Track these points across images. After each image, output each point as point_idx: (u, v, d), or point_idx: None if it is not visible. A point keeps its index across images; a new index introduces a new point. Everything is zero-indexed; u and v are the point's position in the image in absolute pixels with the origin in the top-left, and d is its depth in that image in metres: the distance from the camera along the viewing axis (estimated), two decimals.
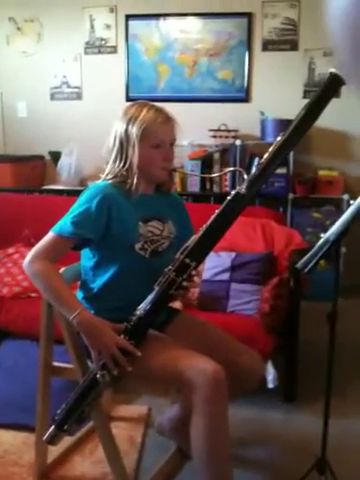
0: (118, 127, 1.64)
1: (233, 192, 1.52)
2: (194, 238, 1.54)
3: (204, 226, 1.54)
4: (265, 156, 1.50)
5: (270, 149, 1.49)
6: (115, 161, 1.65)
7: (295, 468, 1.87)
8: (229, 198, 1.52)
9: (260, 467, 2.02)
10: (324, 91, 1.45)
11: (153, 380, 1.62)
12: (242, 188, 1.51)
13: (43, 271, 1.56)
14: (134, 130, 1.60)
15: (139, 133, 1.60)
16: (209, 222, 1.53)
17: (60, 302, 1.57)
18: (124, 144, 1.62)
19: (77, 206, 1.60)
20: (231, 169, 1.75)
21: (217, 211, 1.53)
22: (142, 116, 1.61)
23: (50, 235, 1.60)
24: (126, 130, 1.62)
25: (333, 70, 1.42)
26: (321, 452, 1.76)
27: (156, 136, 1.62)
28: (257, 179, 1.51)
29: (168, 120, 1.65)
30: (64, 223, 1.58)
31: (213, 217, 1.53)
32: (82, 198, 1.61)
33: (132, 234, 1.64)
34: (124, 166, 1.63)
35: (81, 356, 1.68)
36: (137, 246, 1.64)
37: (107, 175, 1.66)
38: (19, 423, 2.17)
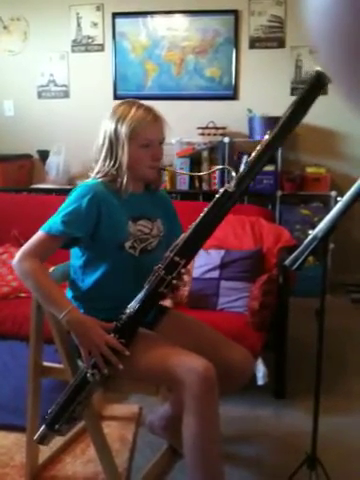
0: (107, 126, 1.63)
1: (221, 190, 1.53)
2: (183, 236, 1.54)
3: (193, 224, 1.54)
4: (252, 154, 1.50)
5: (257, 147, 1.50)
6: (105, 160, 1.64)
7: (285, 464, 1.89)
8: (218, 196, 1.53)
9: (251, 464, 2.03)
10: (309, 89, 1.45)
11: (144, 379, 1.62)
12: (230, 186, 1.51)
13: (32, 270, 1.55)
14: (123, 129, 1.60)
15: (128, 132, 1.59)
16: (198, 220, 1.54)
17: (49, 301, 1.57)
18: (113, 143, 1.62)
19: (67, 204, 1.59)
20: (219, 167, 1.76)
21: (206, 209, 1.53)
22: (131, 115, 1.60)
23: (39, 234, 1.59)
24: (115, 129, 1.61)
25: (319, 68, 1.42)
26: (311, 448, 1.77)
27: (145, 135, 1.61)
28: (245, 177, 1.51)
29: (157, 119, 1.65)
30: (54, 221, 1.57)
31: (202, 215, 1.54)
32: (72, 196, 1.60)
33: (122, 232, 1.63)
34: (114, 165, 1.62)
35: (71, 356, 1.67)
36: (127, 244, 1.64)
37: (97, 174, 1.65)
38: (10, 424, 2.16)
